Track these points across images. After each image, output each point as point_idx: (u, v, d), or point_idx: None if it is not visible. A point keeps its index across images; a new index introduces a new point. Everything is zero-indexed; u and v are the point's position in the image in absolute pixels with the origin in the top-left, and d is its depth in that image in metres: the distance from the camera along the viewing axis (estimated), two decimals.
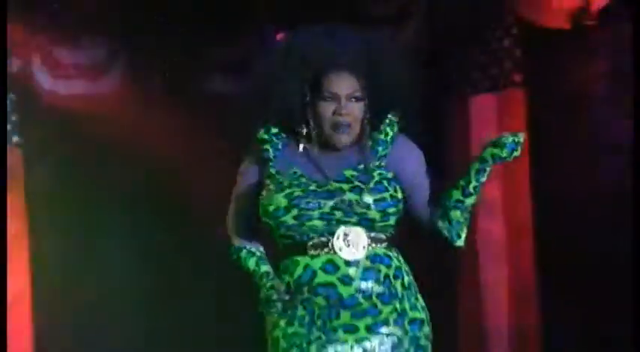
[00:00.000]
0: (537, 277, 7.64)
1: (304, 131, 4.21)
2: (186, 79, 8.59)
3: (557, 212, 7.49)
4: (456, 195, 4.11)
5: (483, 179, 4.06)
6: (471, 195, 4.08)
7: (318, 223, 4.11)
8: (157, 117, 8.47)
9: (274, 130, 4.26)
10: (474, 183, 4.06)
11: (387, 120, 4.28)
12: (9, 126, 8.29)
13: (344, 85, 4.18)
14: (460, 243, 4.10)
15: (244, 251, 4.25)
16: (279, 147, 4.26)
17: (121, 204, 8.64)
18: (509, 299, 7.74)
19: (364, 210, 4.09)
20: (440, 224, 4.13)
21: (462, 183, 4.11)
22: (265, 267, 4.18)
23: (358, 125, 4.17)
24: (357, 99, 4.18)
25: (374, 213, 4.09)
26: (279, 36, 7.57)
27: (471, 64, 7.73)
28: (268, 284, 4.11)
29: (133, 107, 8.51)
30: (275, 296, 4.12)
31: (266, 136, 4.23)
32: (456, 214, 4.13)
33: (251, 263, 4.23)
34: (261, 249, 4.29)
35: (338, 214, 4.07)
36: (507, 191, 7.68)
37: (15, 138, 8.30)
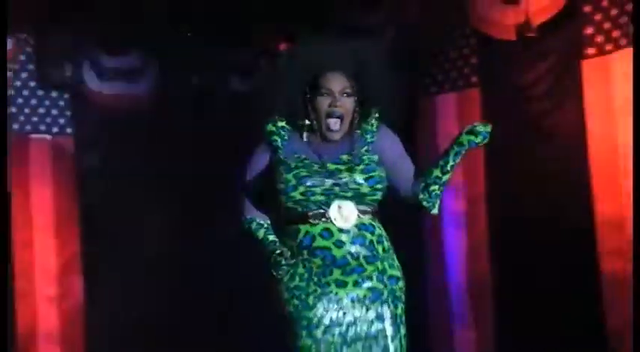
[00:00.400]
0: (490, 239, 7.72)
1: (307, 123, 4.62)
2: (207, 80, 8.81)
3: (506, 185, 7.65)
4: (435, 172, 4.50)
5: (458, 160, 4.47)
6: (447, 172, 4.46)
7: (320, 198, 4.49)
8: (182, 111, 8.77)
9: (281, 124, 4.64)
10: (450, 163, 4.46)
11: (372, 114, 4.67)
12: (63, 120, 8.57)
13: (337, 82, 4.55)
14: (436, 211, 4.57)
15: (254, 223, 4.64)
16: (286, 137, 4.64)
17: (153, 180, 8.73)
18: (467, 257, 7.91)
19: (357, 187, 4.48)
20: (421, 196, 4.53)
21: (440, 162, 4.49)
22: (272, 237, 4.62)
23: (349, 117, 4.58)
24: (348, 94, 4.55)
25: (365, 188, 4.49)
26: (282, 46, 7.89)
27: (436, 68, 7.99)
28: (277, 251, 4.49)
29: (162, 103, 8.85)
30: (282, 261, 4.50)
31: (274, 129, 4.62)
32: (434, 188, 4.51)
33: (260, 233, 4.61)
34: (268, 221, 4.69)
35: (336, 190, 4.47)
36: (466, 171, 7.80)
37: (68, 129, 8.57)
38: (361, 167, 4.55)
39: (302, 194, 4.47)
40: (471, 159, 7.65)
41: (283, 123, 4.66)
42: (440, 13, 7.93)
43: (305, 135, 4.68)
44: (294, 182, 4.48)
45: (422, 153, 7.71)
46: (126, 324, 8.57)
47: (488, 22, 7.64)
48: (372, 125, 4.68)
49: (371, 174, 4.53)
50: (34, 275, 8.33)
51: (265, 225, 4.67)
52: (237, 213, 4.71)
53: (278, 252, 4.50)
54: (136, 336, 8.58)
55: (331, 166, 4.50)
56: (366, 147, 4.58)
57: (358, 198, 4.54)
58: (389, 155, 4.65)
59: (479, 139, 4.42)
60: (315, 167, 4.53)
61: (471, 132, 4.43)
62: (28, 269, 8.29)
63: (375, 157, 4.59)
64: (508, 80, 7.71)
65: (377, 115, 4.70)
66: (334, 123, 4.59)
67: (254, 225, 4.67)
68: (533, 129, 7.60)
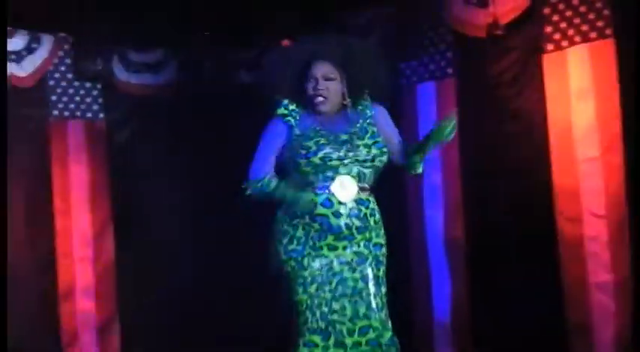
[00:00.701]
0: (464, 206, 7.78)
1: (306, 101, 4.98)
2: (219, 71, 9.02)
3: (478, 159, 7.72)
4: (415, 158, 4.89)
5: (429, 152, 4.87)
6: (423, 158, 4.88)
7: (336, 163, 4.80)
8: (197, 99, 8.93)
9: (291, 107, 4.98)
10: (423, 154, 4.85)
11: (364, 95, 5.03)
12: (96, 107, 8.71)
13: (319, 69, 4.92)
14: (420, 171, 4.97)
15: (267, 178, 4.86)
16: (297, 117, 4.96)
17: (174, 156, 8.85)
18: (444, 221, 7.96)
19: (368, 150, 4.85)
20: (407, 166, 4.97)
21: (418, 152, 4.86)
22: (284, 184, 4.83)
23: (334, 97, 4.94)
24: (331, 79, 4.92)
25: (374, 151, 4.85)
26: (284, 42, 7.97)
27: (417, 61, 8.11)
28: (299, 194, 4.76)
29: (180, 91, 9.01)
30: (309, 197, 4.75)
31: (286, 111, 4.96)
32: (416, 160, 4.88)
33: (273, 183, 4.83)
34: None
35: (350, 155, 4.81)
36: (443, 148, 7.29)
37: (101, 114, 8.71)
38: (368, 135, 4.89)
39: (320, 159, 4.77)
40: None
41: (293, 106, 4.97)
42: (422, 16, 8.01)
43: (306, 110, 4.99)
44: (314, 148, 4.80)
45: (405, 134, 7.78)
46: (152, 281, 8.62)
47: (463, 22, 7.67)
48: (367, 104, 5.02)
49: (376, 139, 4.91)
50: (72, 238, 8.42)
51: (275, 179, 4.89)
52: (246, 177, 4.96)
53: (301, 194, 4.77)
54: (161, 292, 8.64)
55: (343, 136, 4.85)
56: (368, 120, 4.94)
57: (365, 163, 4.83)
58: (384, 128, 5.01)
59: (446, 137, 4.74)
60: (332, 137, 4.84)
61: (439, 131, 4.71)
62: (67, 233, 8.38)
63: (375, 128, 4.91)
64: (479, 71, 7.72)
65: (367, 97, 5.05)
66: (319, 102, 4.92)
67: (266, 179, 4.87)
68: (501, 112, 7.60)
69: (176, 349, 8.61)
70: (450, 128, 4.72)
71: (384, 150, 4.91)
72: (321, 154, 4.79)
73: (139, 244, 8.79)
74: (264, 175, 4.90)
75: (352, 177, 4.83)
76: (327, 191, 4.82)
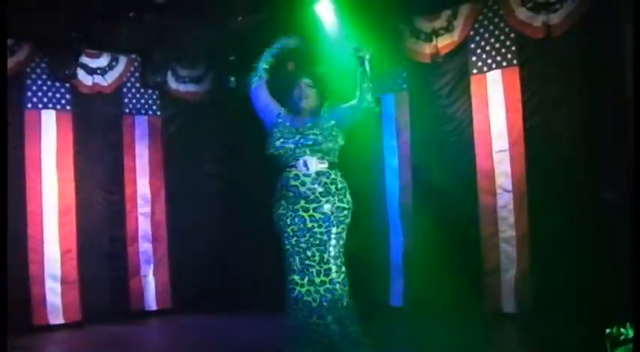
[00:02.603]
0: (412, 181, 7.51)
1: (288, 106, 4.96)
2: (242, 83, 9.00)
3: (425, 149, 7.50)
4: (362, 93, 4.70)
5: (367, 80, 4.67)
6: (368, 88, 4.68)
7: (291, 146, 4.78)
8: (227, 102, 8.59)
9: (282, 109, 4.98)
10: (365, 84, 4.68)
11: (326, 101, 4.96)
12: (155, 107, 8.63)
13: (304, 82, 4.92)
14: (373, 105, 4.78)
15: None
16: (281, 112, 4.96)
17: (212, 141, 8.87)
18: (400, 191, 7.68)
19: (319, 142, 4.80)
20: (363, 102, 4.73)
21: (360, 78, 4.68)
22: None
23: (313, 100, 4.92)
24: (311, 87, 4.92)
25: (323, 143, 4.79)
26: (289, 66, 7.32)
27: (380, 79, 7.37)
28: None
29: (216, 97, 8.85)
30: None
31: (280, 110, 4.97)
32: (365, 88, 4.69)
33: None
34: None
35: (304, 141, 4.79)
36: (400, 142, 7.68)
37: (158, 112, 8.65)
38: (316, 128, 4.85)
39: (281, 145, 4.82)
40: (403, 134, 7.68)
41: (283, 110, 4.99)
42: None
43: (286, 109, 4.97)
44: (278, 136, 4.83)
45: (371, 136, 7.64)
46: (191, 230, 8.66)
47: (414, 53, 7.56)
48: (325, 108, 4.94)
49: (327, 133, 4.84)
50: (136, 200, 8.42)
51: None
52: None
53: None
54: (198, 238, 8.69)
55: (301, 129, 4.85)
56: (323, 120, 4.89)
57: (314, 146, 4.79)
58: (337, 109, 4.91)
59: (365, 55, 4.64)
60: (293, 130, 4.86)
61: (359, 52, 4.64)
62: (132, 196, 8.39)
63: (331, 124, 4.85)
64: (426, 86, 7.61)
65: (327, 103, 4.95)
66: (304, 100, 4.90)
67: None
68: (440, 116, 7.49)
69: (210, 279, 8.66)
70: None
71: (332, 140, 4.86)
72: (281, 141, 4.85)
73: (183, 204, 8.80)
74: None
75: (311, 157, 4.81)
76: (295, 168, 4.84)
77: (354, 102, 4.82)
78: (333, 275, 4.76)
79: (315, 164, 4.83)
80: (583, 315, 5.96)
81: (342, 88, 5.07)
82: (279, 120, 4.95)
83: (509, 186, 6.96)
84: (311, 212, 4.83)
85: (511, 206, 6.94)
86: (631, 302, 3.47)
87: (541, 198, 6.71)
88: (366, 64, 4.64)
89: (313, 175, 4.83)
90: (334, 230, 4.82)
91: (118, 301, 8.18)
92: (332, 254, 4.78)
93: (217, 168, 8.92)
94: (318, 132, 4.86)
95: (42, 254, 7.65)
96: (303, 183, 4.83)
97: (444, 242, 7.22)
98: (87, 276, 7.92)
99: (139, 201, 8.51)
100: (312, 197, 4.82)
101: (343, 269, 4.83)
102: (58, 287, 7.68)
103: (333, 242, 4.81)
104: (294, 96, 4.99)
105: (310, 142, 4.83)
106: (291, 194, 4.85)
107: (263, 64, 5.00)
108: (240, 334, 6.94)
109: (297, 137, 4.85)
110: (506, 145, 6.97)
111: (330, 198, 4.84)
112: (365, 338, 4.81)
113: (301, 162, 4.83)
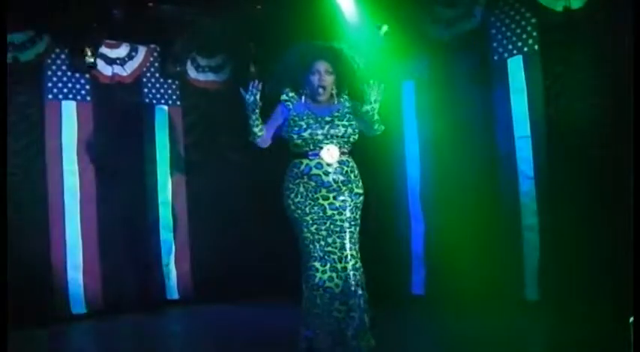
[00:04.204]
0: None
1: (307, 92, 4.98)
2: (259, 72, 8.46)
3: (446, 138, 7.43)
4: (367, 115, 4.80)
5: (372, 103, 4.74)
6: (373, 110, 4.77)
7: (320, 137, 4.83)
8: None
9: (291, 94, 5.00)
10: (370, 106, 4.75)
11: (345, 91, 5.04)
12: (175, 96, 8.58)
13: (322, 66, 4.93)
14: (377, 127, 4.89)
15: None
16: (294, 102, 4.97)
17: (230, 130, 8.60)
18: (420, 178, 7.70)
19: (343, 130, 4.86)
20: (368, 126, 4.89)
21: (367, 108, 4.75)
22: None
23: (330, 87, 4.95)
24: (330, 73, 4.93)
25: (349, 130, 4.88)
26: None
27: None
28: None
29: (234, 86, 8.13)
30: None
31: (286, 98, 4.98)
32: (371, 116, 4.79)
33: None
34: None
35: (332, 132, 4.85)
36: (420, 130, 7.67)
37: (178, 102, 8.60)
38: (345, 119, 4.89)
39: (310, 134, 4.82)
40: (424, 121, 7.63)
41: (293, 94, 4.99)
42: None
43: (303, 99, 4.96)
44: (305, 126, 4.83)
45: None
46: (211, 219, 8.70)
47: (434, 40, 7.43)
48: (347, 98, 5.01)
49: (351, 122, 4.90)
50: (157, 189, 8.37)
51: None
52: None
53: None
54: (218, 227, 8.69)
55: (327, 118, 4.87)
56: (347, 109, 4.95)
57: (343, 138, 4.83)
58: (357, 113, 4.93)
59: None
60: (318, 119, 4.86)
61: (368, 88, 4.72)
62: (153, 187, 8.35)
63: (352, 115, 4.92)
64: (446, 73, 7.49)
65: (347, 93, 5.03)
66: (320, 93, 4.92)
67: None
68: (461, 102, 7.34)
69: (232, 267, 8.63)
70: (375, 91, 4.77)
71: (356, 130, 4.93)
72: (310, 131, 4.84)
73: (204, 193, 8.78)
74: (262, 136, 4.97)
75: (334, 145, 4.85)
76: (318, 157, 4.86)
77: (364, 123, 4.92)
78: (353, 261, 4.79)
79: (338, 153, 4.85)
80: (606, 303, 5.88)
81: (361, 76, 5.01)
82: (300, 110, 4.94)
83: (530, 172, 6.86)
84: (331, 200, 4.86)
85: (533, 193, 6.83)
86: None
87: (563, 185, 6.62)
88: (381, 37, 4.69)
89: (336, 164, 4.86)
90: (353, 216, 4.88)
91: (139, 290, 8.15)
92: (352, 240, 4.83)
93: (238, 156, 8.85)
94: (347, 124, 4.90)
95: (64, 244, 7.66)
96: (327, 173, 4.85)
97: (465, 229, 7.18)
98: (108, 266, 7.94)
99: (160, 191, 8.44)
100: (334, 186, 4.86)
101: (359, 255, 4.88)
102: (80, 277, 7.69)
103: (352, 229, 4.86)
104: (313, 82, 4.97)
105: (340, 134, 4.86)
106: (313, 183, 4.87)
107: (255, 129, 4.94)
108: (262, 322, 6.93)
109: (326, 127, 4.86)
110: (528, 131, 6.86)
111: (350, 185, 4.89)
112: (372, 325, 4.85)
113: (325, 150, 4.84)
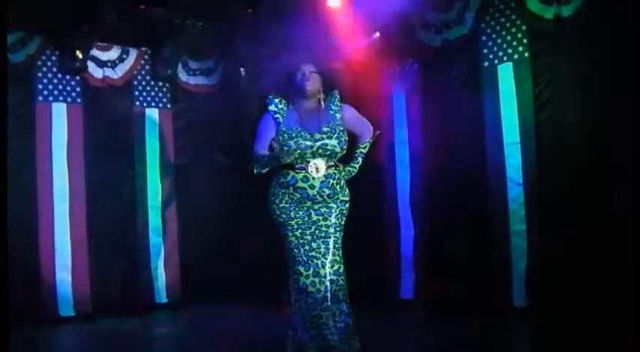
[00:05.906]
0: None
1: (292, 97, 4.96)
2: (251, 75, 8.60)
3: (437, 142, 7.46)
4: (353, 165, 5.09)
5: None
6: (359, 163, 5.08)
7: (309, 154, 4.79)
8: (235, 94, 8.75)
9: (280, 105, 4.96)
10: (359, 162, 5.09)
11: (335, 95, 5.02)
12: (165, 99, 8.57)
13: (306, 67, 4.95)
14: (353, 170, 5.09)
15: (260, 155, 4.81)
16: (284, 114, 4.93)
17: (221, 130, 8.71)
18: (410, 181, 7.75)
19: (333, 148, 4.84)
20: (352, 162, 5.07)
21: (354, 163, 5.06)
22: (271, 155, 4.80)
23: (316, 85, 4.94)
24: (313, 73, 4.94)
25: (337, 149, 4.86)
26: None
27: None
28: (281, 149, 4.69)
29: (226, 89, 8.81)
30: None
31: (275, 109, 4.94)
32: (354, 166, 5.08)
33: (266, 154, 4.81)
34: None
35: (320, 150, 4.81)
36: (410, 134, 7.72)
37: (168, 105, 8.58)
38: (335, 135, 4.84)
39: (299, 154, 4.76)
40: (414, 126, 7.69)
41: (282, 105, 4.95)
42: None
43: (291, 106, 4.92)
44: (294, 145, 4.76)
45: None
46: (201, 223, 8.66)
47: (424, 46, 7.48)
48: (337, 105, 4.97)
49: (341, 139, 4.87)
50: (147, 192, 8.33)
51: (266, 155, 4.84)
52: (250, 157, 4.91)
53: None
54: (207, 231, 8.64)
55: (317, 135, 4.82)
56: (338, 122, 4.90)
57: (332, 154, 4.83)
58: (350, 121, 5.02)
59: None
60: (308, 136, 4.81)
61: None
62: (143, 190, 8.31)
63: (342, 128, 4.89)
64: (437, 79, 7.54)
65: (338, 97, 5.00)
66: (307, 85, 4.91)
67: (260, 155, 4.83)
68: (452, 108, 7.36)
69: (220, 271, 8.58)
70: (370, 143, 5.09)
71: (344, 147, 4.93)
72: (299, 150, 4.79)
73: (194, 196, 8.77)
74: (261, 154, 4.89)
75: (322, 159, 4.84)
76: (304, 171, 4.84)
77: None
78: (336, 266, 4.80)
79: (326, 167, 4.85)
80: (593, 309, 5.87)
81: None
82: (290, 126, 4.90)
83: (519, 178, 6.85)
84: (316, 207, 4.88)
85: (522, 199, 6.82)
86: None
87: (552, 191, 6.61)
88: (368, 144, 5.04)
89: (322, 178, 4.85)
90: (338, 222, 4.89)
91: (128, 294, 8.10)
92: (336, 246, 4.83)
93: (228, 160, 8.86)
94: (336, 140, 4.88)
95: (53, 247, 7.64)
96: (312, 186, 4.85)
97: (453, 235, 7.22)
98: (97, 269, 7.91)
99: (150, 194, 8.42)
100: (319, 199, 4.87)
101: (342, 260, 4.87)
102: (69, 280, 7.67)
103: (337, 234, 4.87)
104: (297, 79, 4.98)
105: (329, 151, 4.86)
106: (298, 195, 4.86)
107: (260, 170, 4.94)
108: (251, 326, 6.90)
109: (316, 145, 4.83)
110: (517, 138, 6.86)
111: (336, 196, 4.91)
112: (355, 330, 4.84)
113: (312, 165, 4.83)
